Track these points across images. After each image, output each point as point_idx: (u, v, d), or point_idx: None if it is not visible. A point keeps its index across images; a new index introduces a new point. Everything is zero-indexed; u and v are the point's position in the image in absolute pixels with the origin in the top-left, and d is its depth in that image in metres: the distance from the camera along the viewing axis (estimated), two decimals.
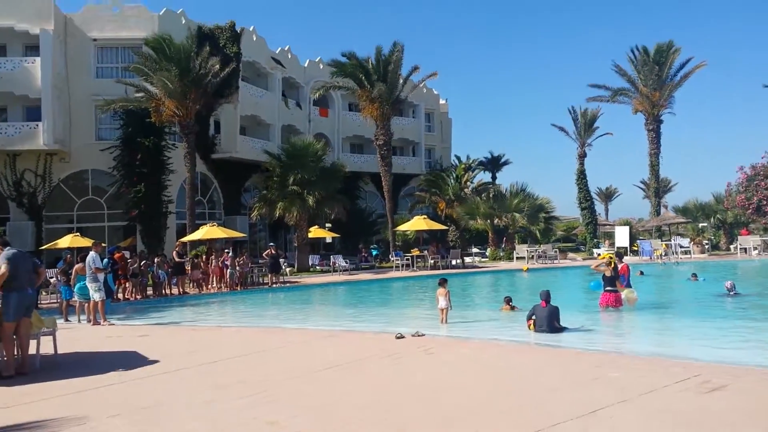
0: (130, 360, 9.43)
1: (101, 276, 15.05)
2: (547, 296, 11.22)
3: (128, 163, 30.80)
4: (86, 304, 15.53)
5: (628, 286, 14.57)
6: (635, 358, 8.23)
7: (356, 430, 5.41)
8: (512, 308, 14.25)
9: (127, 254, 23.87)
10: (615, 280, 14.14)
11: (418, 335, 10.37)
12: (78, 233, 27.48)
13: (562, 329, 11.03)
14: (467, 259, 35.69)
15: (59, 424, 6.11)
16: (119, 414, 6.39)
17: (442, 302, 12.54)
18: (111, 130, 32.52)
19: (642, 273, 20.57)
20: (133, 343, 11.29)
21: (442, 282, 12.74)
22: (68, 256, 18.16)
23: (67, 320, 15.98)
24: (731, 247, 36.97)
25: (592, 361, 8.06)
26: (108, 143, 31.47)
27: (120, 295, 21.42)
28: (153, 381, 8.07)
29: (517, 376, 7.43)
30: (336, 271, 30.89)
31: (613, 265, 14.06)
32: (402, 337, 10.23)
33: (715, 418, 5.36)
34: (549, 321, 10.96)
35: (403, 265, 31.56)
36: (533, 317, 11.24)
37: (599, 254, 32.99)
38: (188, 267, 24.53)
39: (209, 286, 25.26)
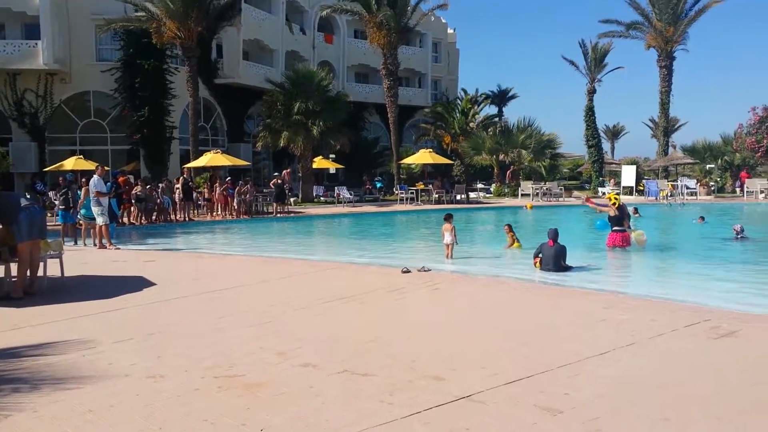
0: (136, 285, 9.46)
1: (105, 200, 14.96)
2: (554, 235, 11.12)
3: (130, 86, 30.32)
4: (92, 228, 15.53)
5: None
6: (644, 301, 8.18)
7: (363, 364, 5.41)
8: (514, 237, 14.16)
9: (131, 178, 23.80)
10: (622, 219, 14.03)
11: (424, 270, 10.35)
12: (81, 156, 27.33)
13: (568, 268, 11.00)
14: (472, 195, 35.58)
15: (68, 347, 6.15)
16: (127, 339, 6.41)
17: (447, 238, 12.47)
18: (112, 51, 31.82)
19: (637, 210, 19.98)
20: (139, 268, 11.31)
21: (448, 217, 12.64)
22: (62, 179, 17.99)
23: (74, 243, 16.03)
24: (737, 189, 36.74)
25: (600, 302, 8.03)
26: (109, 64, 30.89)
27: (125, 220, 21.44)
28: (159, 307, 8.10)
29: (523, 315, 7.41)
30: (340, 202, 30.83)
31: (617, 205, 13.94)
32: (408, 271, 10.21)
33: (725, 364, 5.34)
34: (555, 260, 10.91)
35: (407, 199, 31.47)
36: (540, 255, 11.18)
37: (604, 193, 32.91)
38: (197, 194, 24.62)
39: (214, 213, 25.28)
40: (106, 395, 4.77)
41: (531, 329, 6.65)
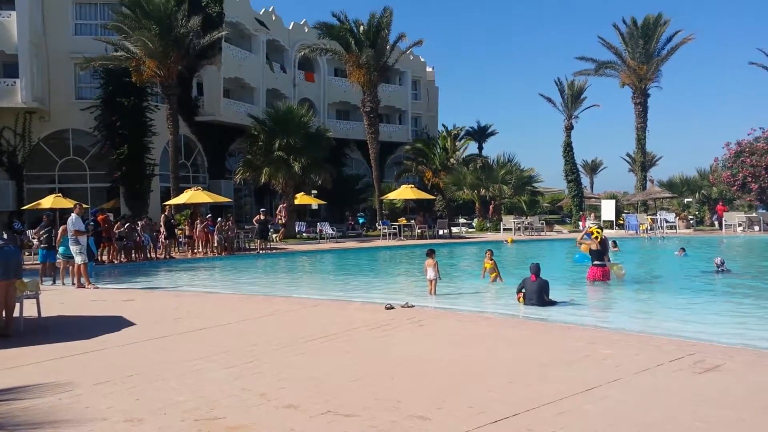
0: (115, 325, 9.28)
1: (83, 239, 14.77)
2: (537, 269, 11.14)
3: (109, 124, 30.25)
4: (70, 267, 15.29)
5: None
6: (627, 335, 8.19)
7: (346, 404, 5.31)
8: (494, 264, 14.15)
9: (110, 216, 23.57)
10: (603, 254, 14.12)
11: (408, 306, 10.29)
12: (60, 194, 27.04)
13: (552, 303, 11.00)
14: (454, 230, 35.67)
15: (45, 390, 5.98)
16: (105, 381, 6.25)
17: (430, 273, 12.44)
18: (91, 89, 31.86)
19: (615, 244, 20.04)
20: (118, 307, 11.12)
21: (430, 253, 12.63)
22: (45, 216, 17.79)
23: (53, 282, 15.75)
24: (714, 222, 37.20)
25: (584, 337, 8.01)
26: (88, 102, 30.89)
27: (104, 258, 21.16)
28: (139, 347, 7.93)
29: (508, 351, 7.36)
30: (323, 238, 30.74)
31: (599, 239, 14.03)
32: (392, 307, 10.14)
33: (710, 400, 5.32)
34: (539, 295, 10.91)
35: (390, 234, 31.46)
36: (523, 290, 11.18)
37: (588, 226, 33.15)
38: (178, 231, 24.46)
39: (195, 250, 25.06)
40: None
41: (516, 365, 6.60)
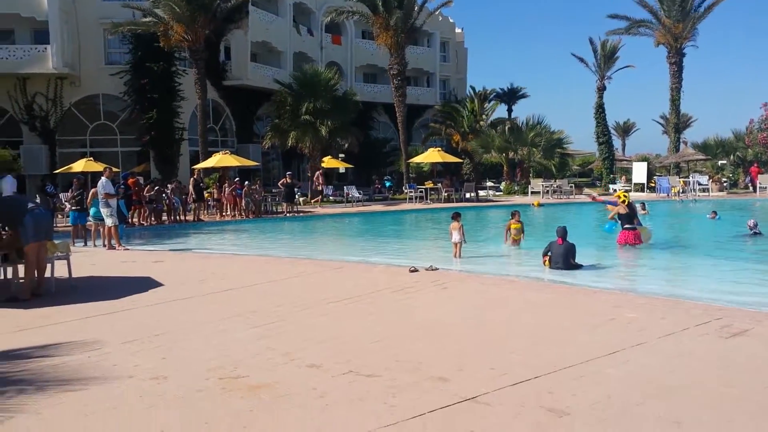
0: (144, 286, 9.46)
1: (113, 201, 15.01)
2: (563, 233, 11.01)
3: (139, 88, 30.45)
4: (101, 229, 15.59)
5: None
6: (653, 299, 8.06)
7: (368, 365, 5.35)
8: (521, 226, 13.89)
9: (141, 179, 23.88)
10: (632, 217, 13.92)
11: (432, 269, 10.28)
12: (91, 158, 27.45)
13: (578, 267, 10.89)
14: (481, 193, 35.43)
15: (74, 348, 6.14)
16: (133, 340, 6.39)
17: (455, 236, 12.39)
18: (121, 54, 31.98)
19: (644, 206, 19.54)
20: (147, 268, 11.32)
21: (456, 216, 12.56)
22: (75, 180, 18.09)
23: (85, 244, 16.10)
24: (749, 185, 36.32)
25: (609, 300, 7.93)
26: (118, 68, 31.00)
27: (135, 220, 21.52)
28: (166, 307, 8.08)
29: (531, 314, 7.33)
30: (349, 201, 30.80)
31: (626, 203, 13.84)
32: (416, 270, 10.14)
33: (737, 365, 5.23)
34: (565, 258, 10.81)
35: (416, 198, 31.37)
36: (549, 253, 11.08)
37: (615, 190, 32.65)
38: (207, 194, 24.77)
39: (223, 213, 25.34)
40: (109, 397, 4.75)
41: (539, 329, 6.57)
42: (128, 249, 14.88)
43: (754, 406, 4.36)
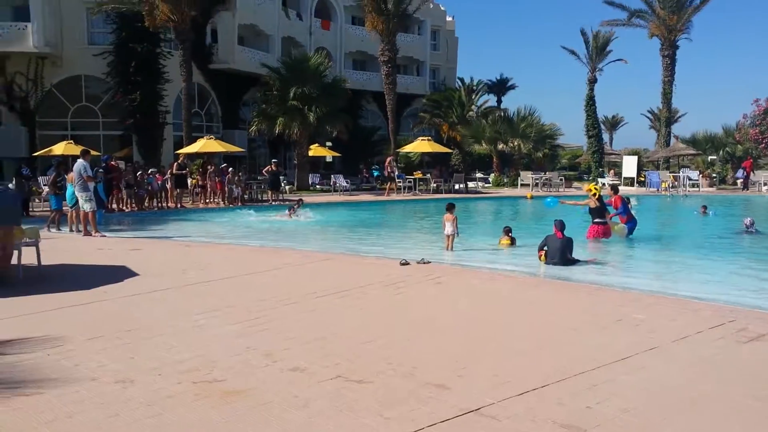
0: (118, 275, 8.89)
1: (91, 185, 14.34)
2: (562, 226, 10.54)
3: (123, 70, 29.55)
4: (78, 214, 14.90)
5: (628, 217, 14.02)
6: (659, 298, 7.62)
7: (358, 369, 4.86)
8: (512, 241, 12.82)
9: (121, 164, 23.16)
10: (603, 211, 13.55)
11: (424, 262, 9.78)
12: (72, 141, 26.61)
13: (575, 262, 10.45)
14: (470, 184, 34.96)
15: (33, 344, 5.60)
16: (99, 336, 5.85)
17: (448, 228, 11.90)
18: (104, 34, 30.94)
19: (629, 200, 19.07)
20: (124, 257, 10.71)
21: (450, 207, 12.06)
22: (54, 162, 17.33)
23: (58, 230, 15.40)
24: (738, 181, 36.16)
25: (613, 299, 7.48)
26: (101, 48, 30.04)
27: (114, 206, 20.84)
28: (140, 300, 7.52)
29: (533, 313, 6.86)
30: (336, 190, 30.22)
31: (597, 196, 13.47)
32: (407, 263, 9.63)
33: (761, 374, 4.80)
34: (562, 252, 10.35)
35: (405, 188, 30.85)
36: (545, 248, 10.62)
37: (603, 184, 32.32)
38: (192, 180, 24.05)
39: (207, 200, 24.69)
40: (68, 402, 4.22)
41: (543, 329, 6.10)
42: (105, 236, 14.22)
43: None
